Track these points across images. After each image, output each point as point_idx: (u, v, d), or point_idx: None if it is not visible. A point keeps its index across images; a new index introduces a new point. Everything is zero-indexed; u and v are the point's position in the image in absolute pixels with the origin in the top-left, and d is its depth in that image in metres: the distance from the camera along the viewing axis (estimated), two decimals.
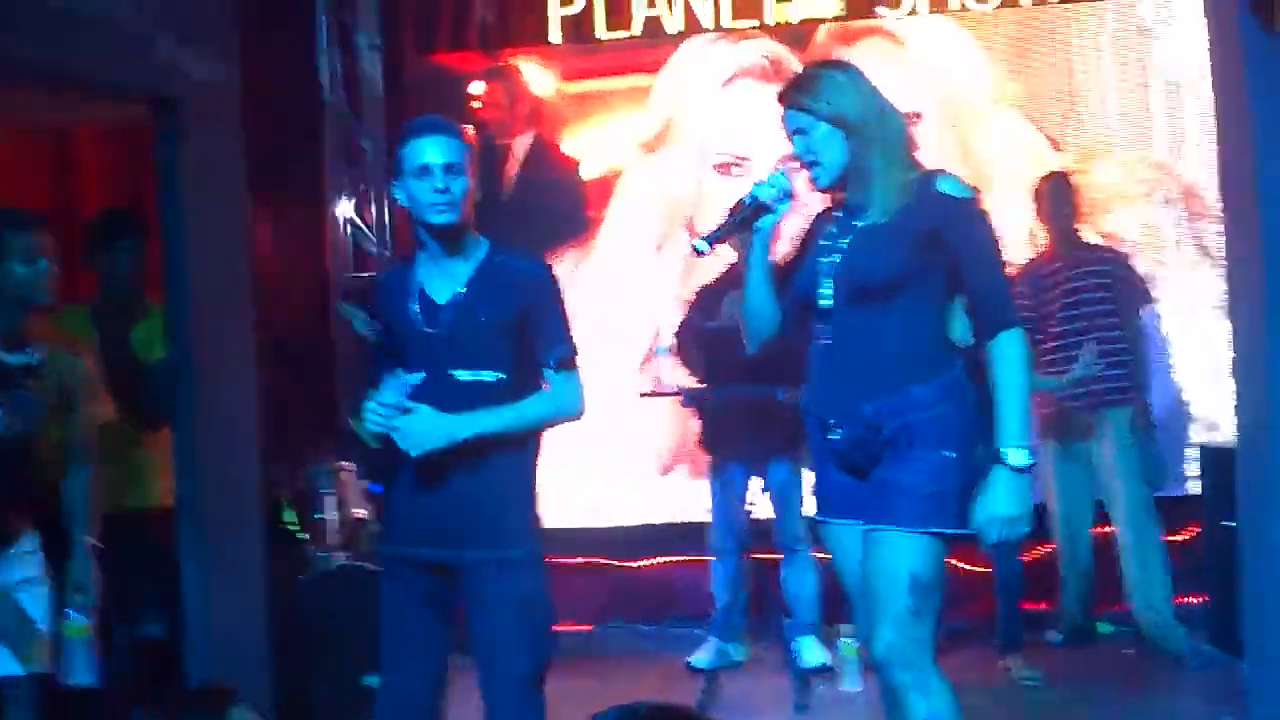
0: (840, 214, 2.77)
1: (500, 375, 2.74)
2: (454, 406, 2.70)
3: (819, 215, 2.86)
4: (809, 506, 4.81)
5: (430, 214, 2.75)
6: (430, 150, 2.74)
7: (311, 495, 4.67)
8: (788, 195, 2.73)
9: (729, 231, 2.78)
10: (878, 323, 2.66)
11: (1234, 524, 3.80)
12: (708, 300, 4.96)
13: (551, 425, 2.85)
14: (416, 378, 2.73)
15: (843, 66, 2.81)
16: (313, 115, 5.50)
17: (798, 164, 2.74)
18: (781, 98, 2.74)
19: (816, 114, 2.67)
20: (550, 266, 2.92)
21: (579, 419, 2.86)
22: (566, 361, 2.81)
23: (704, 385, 4.66)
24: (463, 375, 2.74)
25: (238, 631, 3.69)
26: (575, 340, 2.83)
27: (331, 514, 4.64)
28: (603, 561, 5.74)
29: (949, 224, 2.64)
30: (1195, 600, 4.97)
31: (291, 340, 4.89)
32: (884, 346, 2.65)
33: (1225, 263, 3.74)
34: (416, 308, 2.78)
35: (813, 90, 2.70)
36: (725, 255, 4.78)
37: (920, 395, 2.64)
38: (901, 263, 2.63)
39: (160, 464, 3.78)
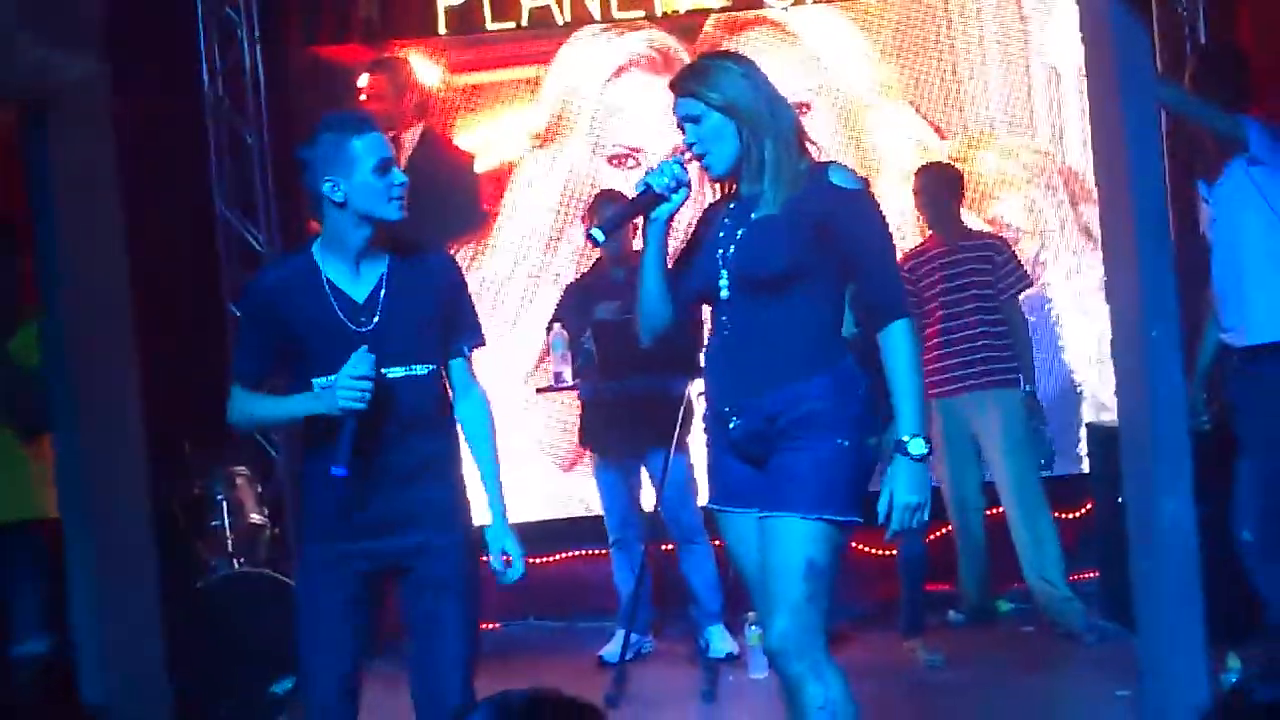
0: (734, 205, 2.77)
1: (431, 367, 2.81)
2: (387, 403, 2.71)
3: (712, 205, 2.86)
4: (703, 497, 4.86)
5: (390, 210, 2.74)
6: (382, 146, 2.75)
7: (206, 502, 4.57)
8: (682, 184, 2.72)
9: (623, 219, 2.82)
10: (772, 314, 2.67)
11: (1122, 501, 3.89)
12: (573, 296, 4.97)
13: None
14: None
15: (735, 57, 2.82)
16: (194, 111, 5.36)
17: (689, 154, 2.73)
18: (673, 86, 2.74)
19: (708, 103, 2.67)
20: (453, 256, 3.01)
21: None
22: (478, 347, 2.94)
23: (596, 378, 4.64)
24: (394, 372, 2.76)
25: (132, 644, 3.58)
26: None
27: (227, 520, 4.55)
28: None
29: (838, 216, 2.65)
30: (1091, 576, 5.10)
31: (180, 342, 4.76)
32: (778, 337, 2.67)
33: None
34: (337, 307, 2.75)
35: (705, 79, 2.70)
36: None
37: (814, 385, 2.66)
38: (793, 254, 2.64)
39: (44, 474, 3.68)
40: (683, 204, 2.74)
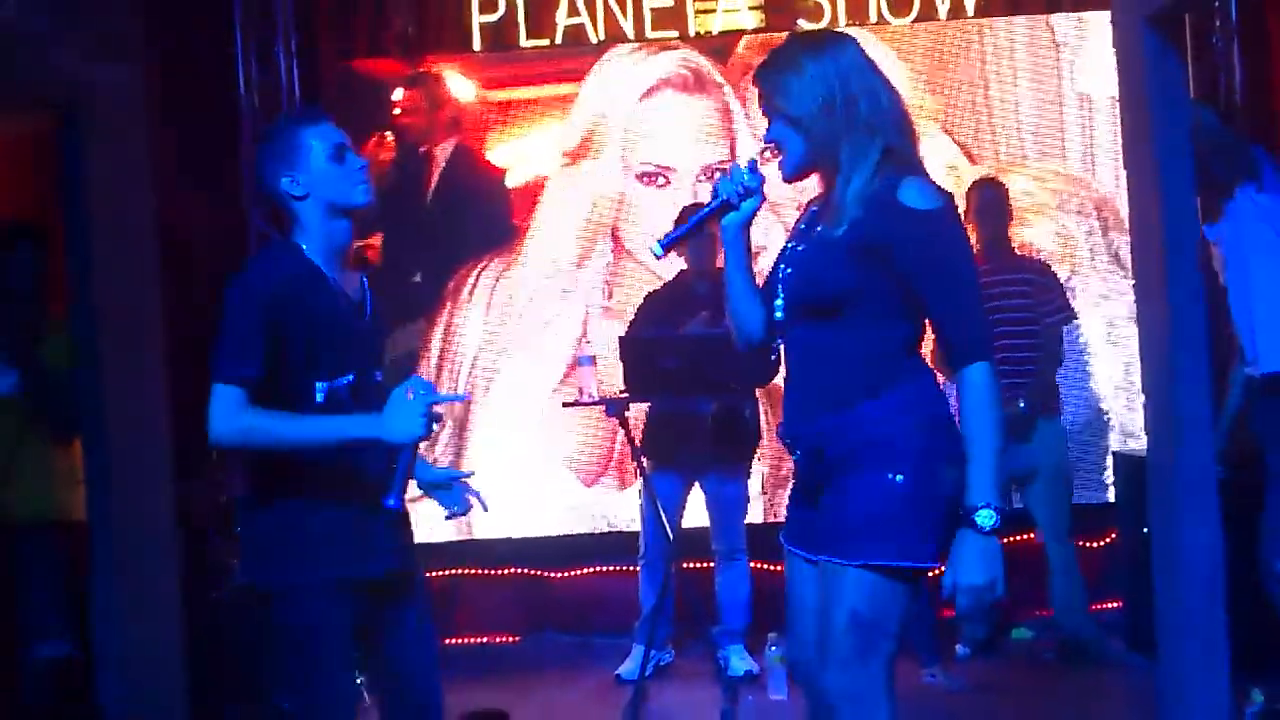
0: (814, 210, 2.54)
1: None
2: (375, 409, 2.52)
3: (807, 205, 2.61)
4: (752, 514, 4.87)
5: (357, 194, 2.61)
6: (334, 132, 2.63)
7: (230, 507, 4.59)
8: (752, 192, 2.48)
9: (687, 233, 2.55)
10: (824, 337, 2.43)
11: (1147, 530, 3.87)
12: (653, 309, 4.96)
13: None
14: (344, 381, 2.59)
15: (813, 49, 2.46)
16: (231, 124, 5.41)
17: (770, 150, 2.49)
18: (755, 76, 2.51)
19: (774, 107, 2.44)
20: None
21: None
22: None
23: (624, 394, 4.64)
24: (378, 375, 2.67)
25: (151, 650, 3.62)
26: None
27: None
28: (529, 572, 5.71)
29: (907, 243, 2.35)
30: (1115, 606, 5.06)
31: (209, 351, 4.80)
32: (829, 362, 2.43)
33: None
34: (344, 309, 2.62)
35: (772, 79, 2.45)
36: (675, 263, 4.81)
37: (866, 413, 2.39)
38: (845, 282, 2.38)
39: (71, 476, 3.71)
40: (755, 212, 2.50)
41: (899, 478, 2.36)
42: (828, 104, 2.38)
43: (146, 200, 3.63)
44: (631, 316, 5.08)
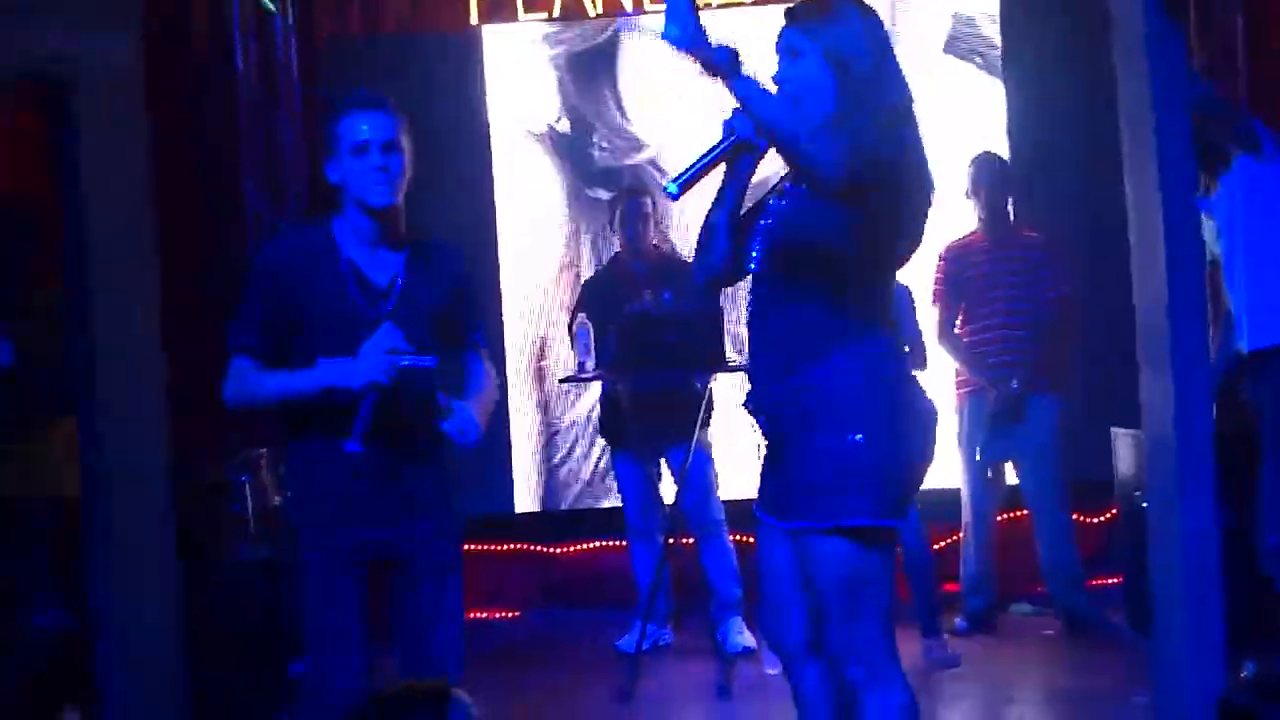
0: None
1: (436, 358, 2.72)
2: (394, 392, 2.63)
3: None
4: (725, 489, 4.86)
5: (371, 195, 2.66)
6: (367, 127, 2.65)
7: (228, 485, 4.60)
8: None
9: (703, 169, 2.43)
10: (788, 293, 2.44)
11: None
12: (594, 293, 4.96)
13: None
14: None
15: (863, 6, 2.47)
16: (228, 98, 5.39)
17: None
18: (788, 13, 2.47)
19: (816, 41, 2.38)
20: (461, 250, 2.95)
21: None
22: (485, 339, 2.92)
23: (619, 369, 4.64)
24: (404, 361, 2.68)
25: (150, 623, 3.62)
26: None
27: (250, 503, 4.57)
28: (530, 547, 5.72)
29: None
30: (1115, 581, 5.06)
31: (205, 328, 4.79)
32: (790, 321, 2.44)
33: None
34: (354, 288, 2.69)
35: (823, 17, 2.41)
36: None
37: (824, 374, 2.40)
38: (823, 236, 2.39)
39: (67, 452, 3.72)
40: (767, 149, 2.44)
41: (858, 437, 2.37)
42: (871, 69, 2.39)
43: (142, 175, 3.61)
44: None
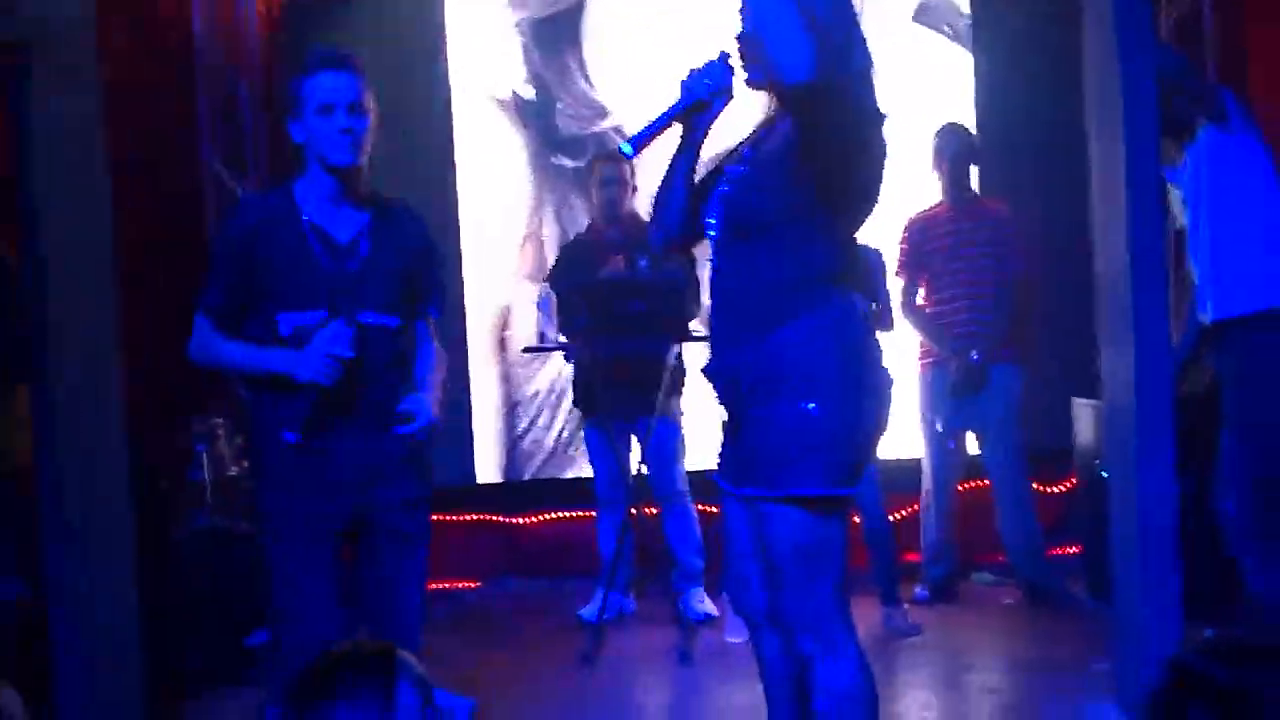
0: (760, 135, 2.52)
1: (400, 320, 2.77)
2: (356, 349, 2.69)
3: (758, 124, 2.58)
4: (690, 459, 4.85)
5: (334, 154, 2.69)
6: (333, 87, 2.67)
7: (186, 453, 4.55)
8: (726, 88, 2.44)
9: (658, 129, 2.46)
10: (748, 259, 2.42)
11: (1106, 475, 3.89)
12: (568, 259, 4.92)
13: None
14: (314, 317, 2.70)
15: None
16: (185, 59, 5.30)
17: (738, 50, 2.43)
18: None
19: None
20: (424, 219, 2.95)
21: None
22: (437, 316, 2.91)
23: (582, 338, 4.62)
24: (369, 319, 2.73)
25: (106, 593, 3.57)
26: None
27: (207, 473, 4.53)
28: (492, 518, 5.70)
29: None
30: (1074, 551, 5.10)
31: (163, 295, 4.73)
32: (749, 286, 2.41)
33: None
34: (316, 245, 2.72)
35: None
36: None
37: (782, 340, 2.38)
38: (780, 203, 2.39)
39: (19, 422, 3.66)
40: (723, 109, 2.47)
41: (812, 406, 2.35)
42: (834, 19, 2.37)
43: (100, 140, 3.54)
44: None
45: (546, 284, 4.79)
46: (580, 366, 4.90)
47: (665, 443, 4.76)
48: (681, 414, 4.83)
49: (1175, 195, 3.84)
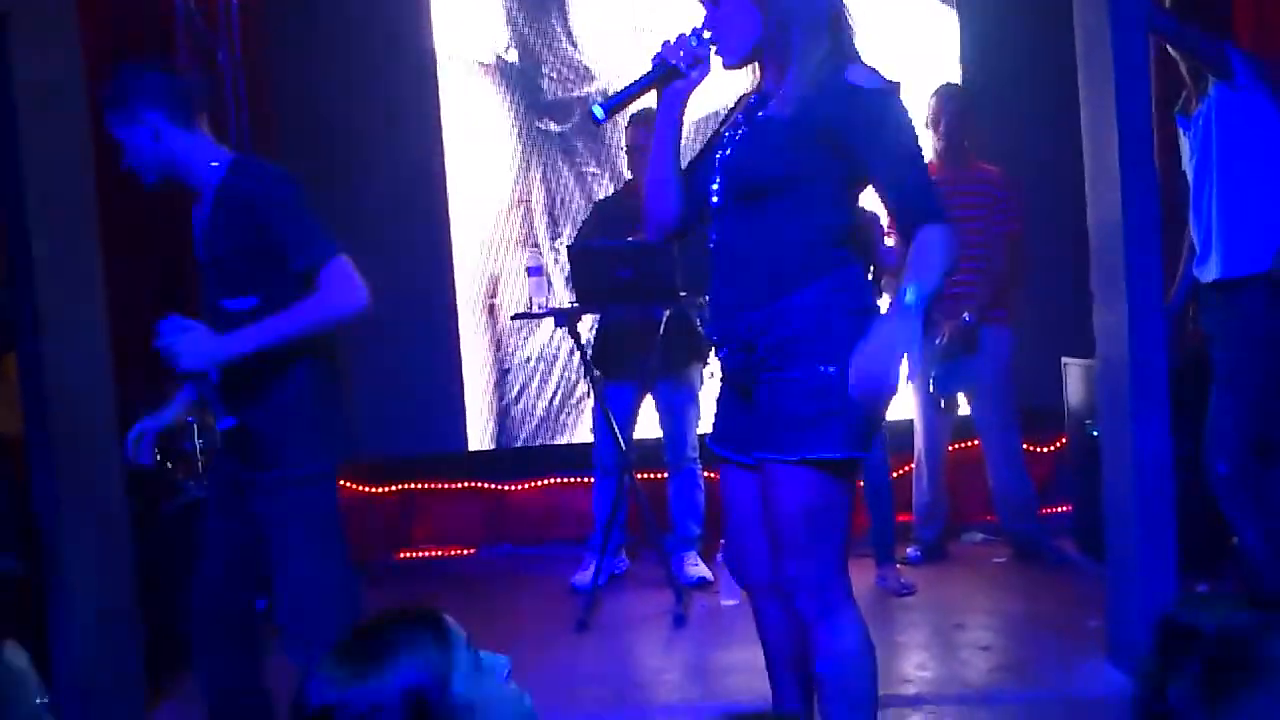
0: (754, 99, 2.48)
1: (257, 300, 2.71)
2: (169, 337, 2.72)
3: (741, 97, 2.56)
4: (705, 424, 4.83)
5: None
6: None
7: (179, 424, 4.53)
8: (701, 59, 2.42)
9: (630, 96, 2.45)
10: (759, 224, 2.38)
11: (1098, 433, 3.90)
12: (600, 217, 4.88)
13: (326, 327, 2.73)
14: (206, 308, 2.81)
15: None
16: (165, 29, 5.24)
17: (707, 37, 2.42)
18: None
19: None
20: (282, 177, 2.75)
21: (359, 313, 2.71)
22: (319, 264, 2.68)
23: (575, 305, 4.59)
24: (229, 304, 2.74)
25: (101, 563, 3.57)
26: (328, 238, 2.70)
27: (198, 443, 4.51)
28: (483, 485, 5.70)
29: (854, 120, 2.31)
30: (1065, 510, 5.13)
31: (151, 263, 4.69)
32: (762, 251, 2.38)
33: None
34: (198, 237, 2.81)
35: None
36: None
37: (797, 303, 2.35)
38: (787, 164, 2.35)
39: (6, 393, 3.63)
40: (700, 81, 2.44)
41: (831, 369, 2.32)
42: None
43: (82, 107, 3.50)
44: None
45: (535, 248, 4.74)
46: (596, 332, 4.87)
47: (682, 409, 4.77)
48: (702, 382, 4.83)
49: (1184, 142, 3.81)
